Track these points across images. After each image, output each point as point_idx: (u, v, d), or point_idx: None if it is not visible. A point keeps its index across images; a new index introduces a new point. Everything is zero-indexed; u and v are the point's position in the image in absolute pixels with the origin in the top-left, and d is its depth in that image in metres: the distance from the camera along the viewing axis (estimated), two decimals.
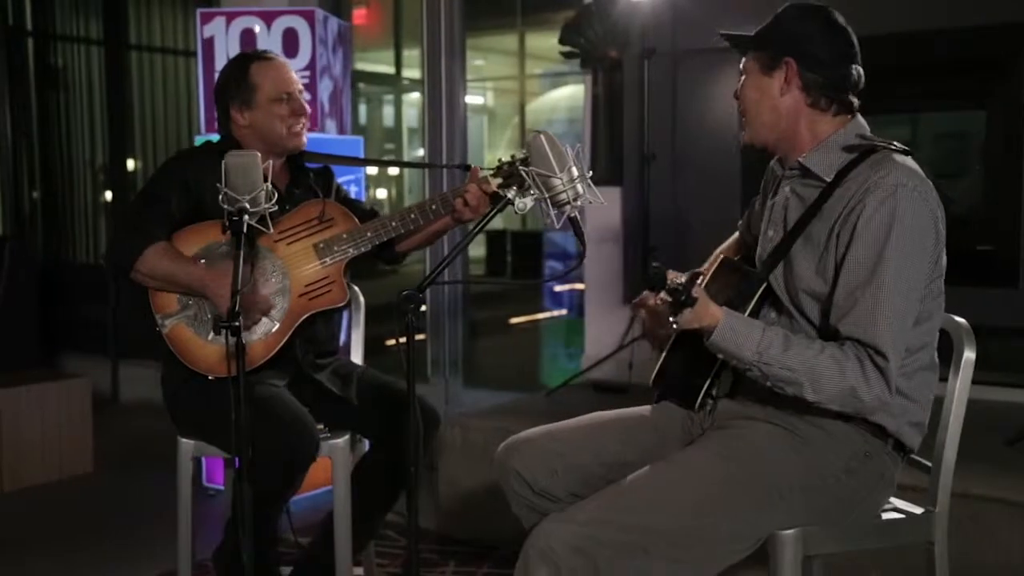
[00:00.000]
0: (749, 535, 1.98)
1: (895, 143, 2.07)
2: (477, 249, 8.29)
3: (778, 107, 2.11)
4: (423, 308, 5.24)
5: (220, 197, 2.31)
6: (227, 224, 2.33)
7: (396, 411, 2.76)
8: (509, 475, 2.22)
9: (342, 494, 2.77)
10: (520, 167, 2.50)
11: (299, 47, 4.17)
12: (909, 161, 2.03)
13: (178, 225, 2.76)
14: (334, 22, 4.41)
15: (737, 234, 2.47)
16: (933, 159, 4.53)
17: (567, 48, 4.48)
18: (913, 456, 2.24)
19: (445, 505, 3.80)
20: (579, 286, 5.28)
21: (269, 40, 4.16)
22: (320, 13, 4.25)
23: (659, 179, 4.30)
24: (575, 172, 2.10)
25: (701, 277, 1.94)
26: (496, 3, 8.37)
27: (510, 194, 2.14)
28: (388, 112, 10.63)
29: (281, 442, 2.55)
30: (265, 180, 2.33)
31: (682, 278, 1.95)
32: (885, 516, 2.17)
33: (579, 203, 2.12)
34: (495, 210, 2.20)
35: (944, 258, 2.07)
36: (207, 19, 4.21)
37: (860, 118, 2.14)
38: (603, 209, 4.46)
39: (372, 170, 9.41)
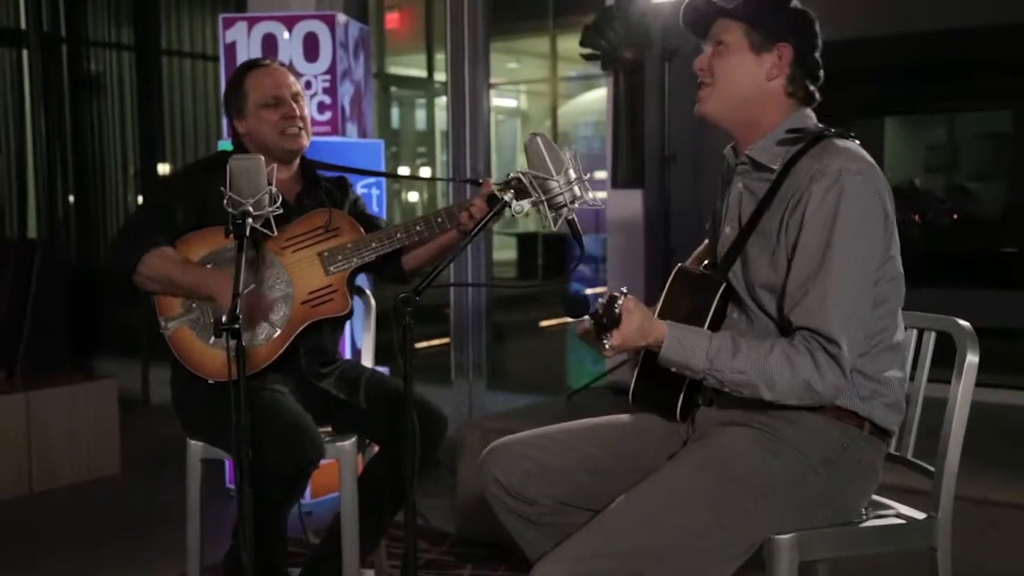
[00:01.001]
0: (740, 542, 1.96)
1: (835, 128, 2.07)
2: (508, 252, 8.27)
3: (760, 89, 2.09)
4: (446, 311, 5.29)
5: (224, 200, 2.32)
6: (231, 228, 2.33)
7: (403, 414, 2.75)
8: (488, 480, 2.22)
9: (349, 496, 2.77)
10: (519, 171, 2.50)
11: (320, 51, 4.18)
12: (852, 145, 2.03)
13: (183, 234, 2.77)
14: (355, 26, 4.43)
15: (707, 241, 2.45)
16: (975, 160, 4.46)
17: (588, 51, 4.46)
18: (915, 460, 2.21)
19: (463, 508, 3.79)
20: (602, 289, 5.25)
21: (290, 45, 4.18)
22: (341, 17, 4.27)
23: (680, 180, 4.29)
24: (572, 174, 2.09)
25: (622, 296, 1.92)
26: (528, 5, 8.35)
27: (507, 196, 2.14)
28: (421, 116, 10.65)
29: (284, 448, 2.56)
30: (269, 184, 2.34)
31: (601, 301, 1.92)
32: (887, 521, 2.13)
33: (576, 205, 2.12)
34: (491, 213, 2.20)
35: (897, 238, 2.05)
36: (229, 24, 4.24)
37: (807, 109, 2.13)
38: (624, 210, 4.49)
39: (404, 173, 9.46)
